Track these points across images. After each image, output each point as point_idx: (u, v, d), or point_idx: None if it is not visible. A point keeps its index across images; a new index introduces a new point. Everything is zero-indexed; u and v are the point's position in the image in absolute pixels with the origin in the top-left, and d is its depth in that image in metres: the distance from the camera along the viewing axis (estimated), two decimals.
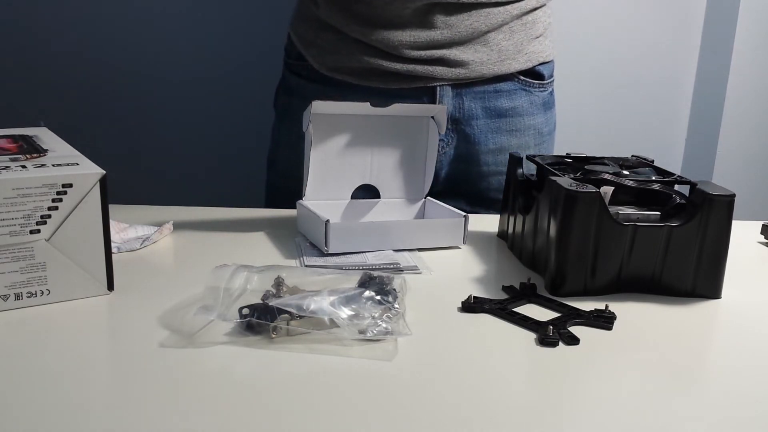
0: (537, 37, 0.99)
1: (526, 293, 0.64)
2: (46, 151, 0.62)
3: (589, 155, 0.80)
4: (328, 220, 0.72)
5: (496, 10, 0.93)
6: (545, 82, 1.03)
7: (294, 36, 1.02)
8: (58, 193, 0.55)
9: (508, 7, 0.94)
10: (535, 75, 1.00)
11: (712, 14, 1.98)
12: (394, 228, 0.75)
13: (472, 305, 0.60)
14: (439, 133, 0.84)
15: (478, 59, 0.94)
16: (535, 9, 0.99)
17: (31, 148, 0.63)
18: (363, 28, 0.92)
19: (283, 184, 1.05)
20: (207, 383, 0.46)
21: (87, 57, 1.63)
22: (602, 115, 1.98)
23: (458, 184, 1.00)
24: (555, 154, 0.80)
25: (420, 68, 0.93)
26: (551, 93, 1.05)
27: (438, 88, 0.95)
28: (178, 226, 0.81)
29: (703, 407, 0.46)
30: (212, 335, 0.52)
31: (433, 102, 0.95)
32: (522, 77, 0.99)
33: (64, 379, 0.45)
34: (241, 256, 0.72)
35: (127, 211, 0.84)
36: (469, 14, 0.92)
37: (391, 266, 0.70)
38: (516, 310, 0.61)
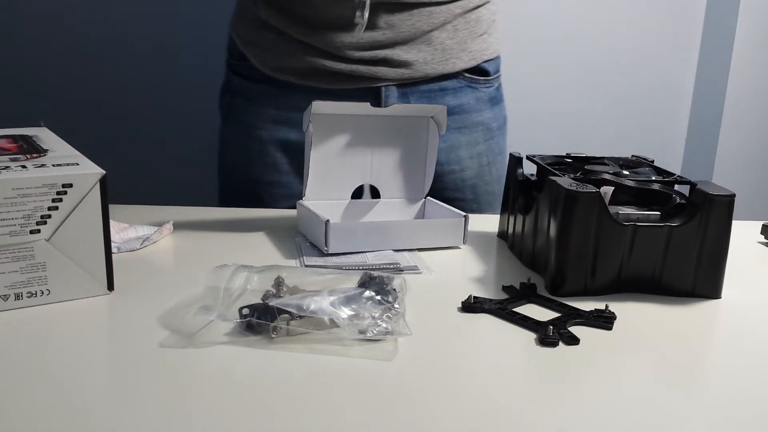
0: (481, 35, 0.98)
1: (526, 293, 0.64)
2: (46, 151, 0.62)
3: (589, 155, 0.80)
4: (328, 220, 0.72)
5: (438, 9, 0.92)
6: (491, 78, 1.01)
7: (234, 35, 1.00)
8: (58, 193, 0.55)
9: (450, 5, 0.93)
10: (480, 72, 1.00)
11: (712, 14, 1.98)
12: (394, 228, 0.75)
13: (472, 305, 0.60)
14: (440, 133, 0.84)
15: (422, 59, 0.93)
16: (478, 7, 0.97)
17: (31, 148, 0.63)
18: (304, 29, 0.91)
19: (232, 188, 1.03)
20: (207, 383, 0.46)
21: (87, 57, 1.63)
22: (602, 115, 1.98)
23: None
24: (555, 154, 0.80)
25: (363, 69, 0.92)
26: (498, 88, 1.04)
27: (383, 89, 0.94)
28: (178, 226, 0.81)
29: (703, 407, 0.46)
30: (212, 335, 0.52)
31: (378, 103, 0.94)
32: (467, 74, 0.98)
33: (64, 379, 0.45)
34: (241, 256, 0.72)
35: (127, 211, 0.84)
36: (411, 14, 0.91)
37: (391, 266, 0.70)
38: (516, 310, 0.61)
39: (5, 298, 0.55)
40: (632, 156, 0.81)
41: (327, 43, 0.90)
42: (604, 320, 0.58)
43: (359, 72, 0.92)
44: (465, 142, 0.99)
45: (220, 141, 1.05)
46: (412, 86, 0.95)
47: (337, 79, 0.92)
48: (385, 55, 0.92)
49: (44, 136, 0.68)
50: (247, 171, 1.00)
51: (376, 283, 0.57)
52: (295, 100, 0.92)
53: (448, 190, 0.98)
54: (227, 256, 0.71)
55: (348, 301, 0.54)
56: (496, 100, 1.04)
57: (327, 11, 0.89)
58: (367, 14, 0.87)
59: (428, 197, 0.86)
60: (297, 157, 0.91)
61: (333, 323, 0.52)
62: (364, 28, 0.88)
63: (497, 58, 1.03)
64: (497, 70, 1.03)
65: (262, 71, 0.96)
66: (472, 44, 0.97)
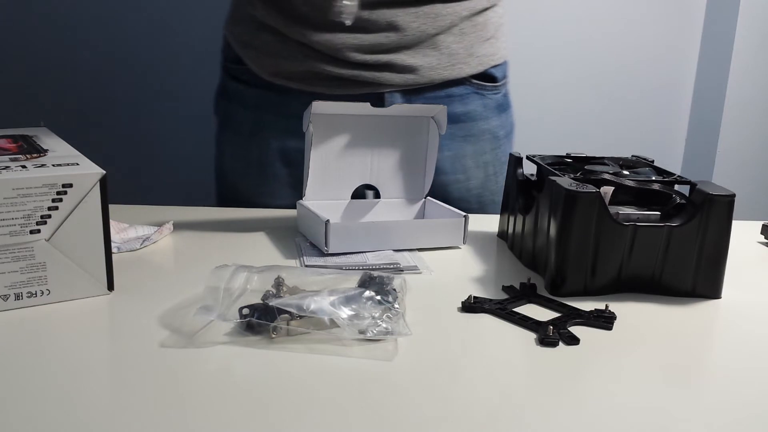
0: (488, 39, 0.95)
1: (526, 293, 0.64)
2: (46, 151, 0.62)
3: (589, 155, 0.80)
4: (328, 220, 0.72)
5: (444, 10, 0.88)
6: (498, 84, 0.98)
7: (230, 38, 0.96)
8: (58, 193, 0.55)
9: (456, 7, 0.90)
10: (487, 77, 0.96)
11: (712, 14, 1.98)
12: (394, 228, 0.75)
13: (472, 305, 0.60)
14: (440, 134, 0.84)
15: (428, 64, 0.90)
16: (485, 9, 0.94)
17: (31, 148, 0.63)
18: (303, 29, 0.87)
19: (230, 196, 1.00)
20: (207, 383, 0.46)
21: (87, 57, 1.63)
22: (602, 115, 1.98)
23: None
24: (555, 154, 0.80)
25: (366, 74, 0.88)
26: (505, 95, 1.01)
27: (386, 95, 0.90)
28: (178, 226, 0.81)
29: (703, 407, 0.46)
30: (212, 335, 0.52)
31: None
32: (474, 80, 0.95)
33: (64, 379, 0.45)
34: (241, 256, 0.72)
35: (127, 211, 0.84)
36: (416, 15, 0.87)
37: (391, 266, 0.70)
38: (516, 310, 0.61)
39: (5, 298, 0.55)
40: (632, 156, 0.81)
41: (327, 45, 0.87)
42: (604, 320, 0.58)
43: (362, 77, 0.88)
44: (471, 151, 0.96)
45: (217, 148, 1.02)
46: (418, 92, 0.91)
47: (339, 84, 0.89)
48: (389, 59, 0.88)
49: (44, 136, 0.68)
50: (244, 181, 0.97)
51: (376, 283, 0.57)
52: (294, 107, 0.86)
53: (453, 199, 0.95)
54: (227, 256, 0.71)
55: (348, 301, 0.54)
56: (504, 107, 1.00)
57: (326, 9, 0.84)
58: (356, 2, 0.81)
59: (428, 197, 0.86)
60: (297, 167, 0.87)
61: (333, 323, 0.52)
62: (352, 16, 0.83)
63: (504, 63, 1.00)
64: (504, 76, 1.00)
65: (259, 76, 0.92)
66: (479, 49, 0.94)
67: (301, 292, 0.56)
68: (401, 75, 0.90)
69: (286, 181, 0.94)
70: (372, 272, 0.59)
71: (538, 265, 0.70)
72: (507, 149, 1.01)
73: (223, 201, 1.02)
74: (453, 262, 0.74)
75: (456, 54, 0.91)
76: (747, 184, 2.00)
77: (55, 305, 0.57)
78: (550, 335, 0.54)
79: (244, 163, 0.96)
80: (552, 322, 0.57)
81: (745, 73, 1.95)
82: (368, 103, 0.79)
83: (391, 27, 0.87)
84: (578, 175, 0.70)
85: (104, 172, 0.57)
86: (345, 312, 0.53)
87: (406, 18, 0.87)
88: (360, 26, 0.86)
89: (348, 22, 0.84)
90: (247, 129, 0.95)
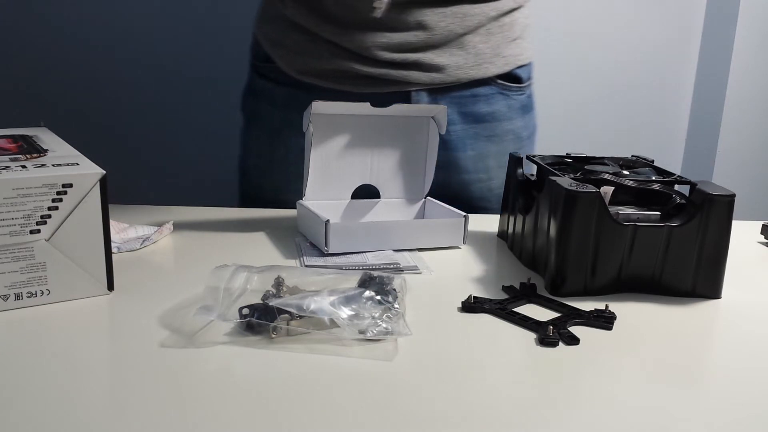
0: (514, 40, 0.96)
1: (526, 293, 0.64)
2: (46, 151, 0.62)
3: (589, 155, 0.80)
4: (328, 220, 0.72)
5: (472, 11, 0.89)
6: (523, 85, 0.99)
7: (260, 36, 0.98)
8: (58, 193, 0.55)
9: (484, 7, 0.91)
10: (513, 78, 0.97)
11: (712, 14, 1.98)
12: (394, 228, 0.75)
13: (472, 305, 0.60)
14: (440, 134, 0.84)
15: (455, 63, 0.91)
16: (513, 10, 0.95)
17: (31, 148, 0.63)
18: (334, 28, 0.88)
19: (254, 192, 1.01)
20: (207, 383, 0.46)
21: (87, 57, 1.63)
22: (603, 115, 1.98)
23: (440, 193, 0.96)
24: (555, 154, 0.80)
25: (394, 72, 0.89)
26: (530, 96, 1.02)
27: (413, 94, 0.91)
28: (178, 226, 0.81)
29: (703, 407, 0.46)
30: (212, 335, 0.52)
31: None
32: (500, 81, 0.96)
33: (64, 379, 0.45)
34: (241, 256, 0.72)
35: (127, 211, 0.84)
36: (444, 15, 0.88)
37: (391, 266, 0.70)
38: (516, 310, 0.61)
39: (5, 298, 0.55)
40: (632, 156, 0.81)
41: (356, 43, 0.88)
42: (604, 320, 0.58)
43: (389, 76, 0.89)
44: (495, 151, 0.97)
45: (243, 145, 1.03)
46: (444, 92, 0.92)
47: (366, 82, 0.90)
48: (416, 58, 0.89)
49: (44, 136, 0.68)
50: (270, 178, 0.97)
51: (376, 283, 0.57)
52: None
53: (475, 198, 0.96)
54: (227, 256, 0.71)
55: (348, 301, 0.54)
56: (528, 108, 1.01)
57: (356, 8, 0.85)
58: None
59: (428, 197, 0.86)
60: None
61: (333, 323, 0.52)
62: (383, 10, 0.83)
63: (530, 64, 1.00)
64: (529, 77, 1.01)
65: (288, 74, 0.93)
66: (505, 49, 0.94)
67: (301, 292, 0.56)
68: (428, 74, 0.91)
69: None
70: (372, 272, 0.59)
71: (538, 265, 0.70)
72: (529, 150, 1.02)
73: (246, 199, 1.03)
74: (453, 262, 0.74)
75: (482, 54, 0.92)
76: (747, 184, 2.00)
77: (55, 305, 0.57)
78: (550, 335, 0.54)
79: (269, 161, 0.97)
80: (552, 322, 0.57)
81: (745, 73, 1.95)
82: (368, 103, 0.79)
83: (420, 26, 0.88)
84: (578, 175, 0.70)
85: (104, 172, 0.57)
86: (345, 312, 0.53)
87: (435, 17, 0.88)
88: (389, 25, 0.87)
89: (378, 15, 0.85)
90: (275, 127, 0.96)
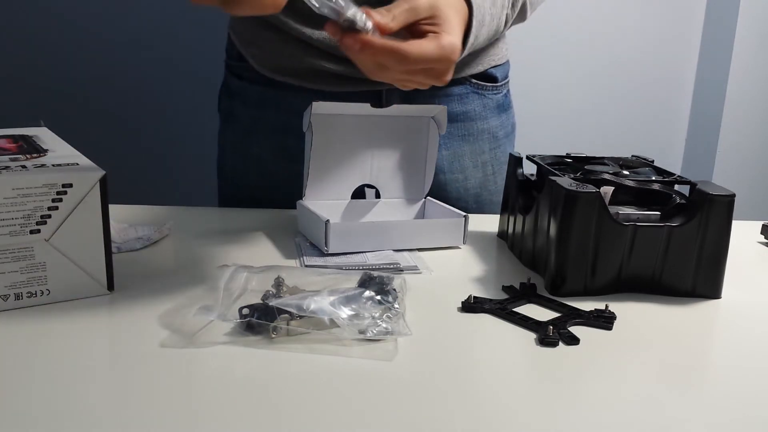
0: None
1: (526, 293, 0.64)
2: (46, 151, 0.62)
3: (589, 155, 0.80)
4: (328, 220, 0.72)
5: None
6: (499, 84, 0.98)
7: (233, 35, 0.97)
8: (58, 193, 0.55)
9: None
10: (487, 78, 0.96)
11: (712, 14, 1.98)
12: (394, 228, 0.75)
13: (472, 305, 0.60)
14: (440, 134, 0.84)
15: None
16: None
17: (31, 148, 0.63)
18: (303, 26, 0.87)
19: (231, 192, 1.01)
20: (207, 383, 0.46)
21: (87, 57, 1.63)
22: (602, 115, 1.98)
23: None
24: (555, 154, 0.80)
25: None
26: (506, 95, 1.01)
27: (384, 92, 0.90)
28: (178, 226, 0.81)
29: (703, 407, 0.46)
30: (212, 335, 0.52)
31: (380, 107, 0.89)
32: (474, 80, 0.95)
33: (64, 379, 0.45)
34: (241, 256, 0.72)
35: (127, 211, 0.84)
36: None
37: (391, 266, 0.70)
38: (516, 310, 0.61)
39: (5, 298, 0.55)
40: (632, 156, 0.81)
41: (326, 42, 0.87)
42: (604, 320, 0.58)
43: (361, 74, 0.85)
44: (469, 150, 0.96)
45: (219, 145, 1.03)
46: (417, 91, 0.89)
47: (338, 81, 0.89)
48: None
49: (44, 136, 0.68)
50: (245, 177, 0.97)
51: (376, 283, 0.57)
52: (295, 104, 0.87)
53: (451, 198, 0.96)
54: (227, 256, 0.71)
55: (348, 301, 0.54)
56: (504, 107, 1.00)
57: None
58: None
59: (428, 197, 0.86)
60: (297, 163, 0.87)
61: (333, 323, 0.52)
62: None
63: (506, 63, 1.00)
64: (506, 76, 1.00)
65: (261, 73, 0.93)
66: (480, 49, 0.92)
67: (301, 292, 0.56)
68: None
69: (286, 177, 0.94)
70: (372, 272, 0.59)
71: (538, 265, 0.70)
72: (507, 150, 1.01)
73: (225, 198, 1.03)
74: (453, 262, 0.74)
75: None
76: (747, 184, 2.00)
77: (55, 305, 0.57)
78: (550, 335, 0.54)
79: (244, 160, 0.97)
80: (552, 322, 0.57)
81: (745, 73, 1.95)
82: (368, 104, 0.79)
83: None
84: (578, 175, 0.70)
85: (104, 172, 0.57)
86: (345, 312, 0.53)
87: None
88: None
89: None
90: (248, 126, 0.96)
